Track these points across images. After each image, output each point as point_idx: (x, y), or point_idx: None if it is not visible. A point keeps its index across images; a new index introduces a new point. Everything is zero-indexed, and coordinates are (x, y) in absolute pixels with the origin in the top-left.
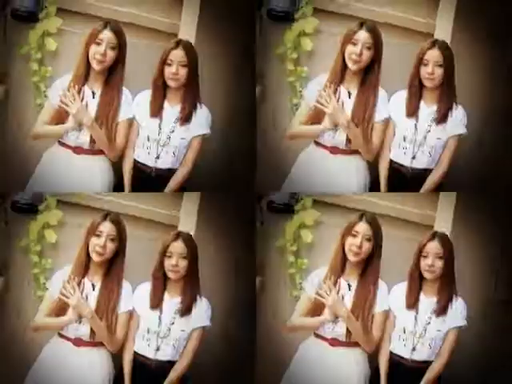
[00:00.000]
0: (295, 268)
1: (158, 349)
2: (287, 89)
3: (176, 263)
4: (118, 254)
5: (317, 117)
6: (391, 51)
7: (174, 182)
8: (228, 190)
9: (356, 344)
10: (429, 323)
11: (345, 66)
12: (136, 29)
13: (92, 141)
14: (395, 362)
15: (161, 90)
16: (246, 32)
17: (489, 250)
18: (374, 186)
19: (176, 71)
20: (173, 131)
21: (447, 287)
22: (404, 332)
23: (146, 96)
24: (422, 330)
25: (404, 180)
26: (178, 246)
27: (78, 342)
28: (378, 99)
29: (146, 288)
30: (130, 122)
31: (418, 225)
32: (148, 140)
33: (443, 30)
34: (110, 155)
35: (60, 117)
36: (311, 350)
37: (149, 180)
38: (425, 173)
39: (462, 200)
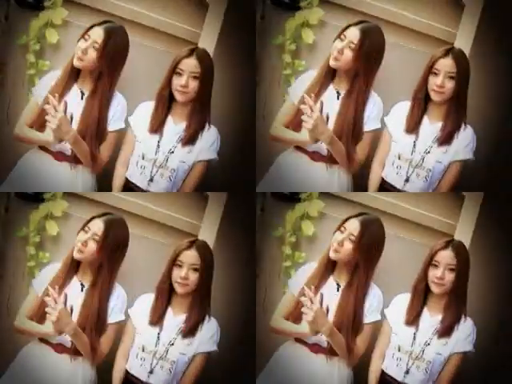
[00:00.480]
0: (291, 261)
1: (151, 371)
2: (282, 82)
3: (185, 275)
4: (106, 258)
5: (298, 123)
6: (400, 55)
7: None
8: (228, 190)
9: None
10: (428, 344)
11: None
12: (147, 30)
13: None
14: (385, 382)
15: (165, 103)
16: (248, 28)
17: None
18: None
19: (185, 83)
20: (172, 152)
21: (455, 305)
22: (399, 350)
23: (147, 108)
24: (420, 351)
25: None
26: (190, 255)
27: (59, 348)
28: (368, 107)
29: (148, 300)
30: (120, 134)
31: (434, 229)
32: (143, 158)
33: (463, 39)
34: (92, 170)
35: (45, 120)
36: (290, 355)
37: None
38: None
39: (489, 203)
